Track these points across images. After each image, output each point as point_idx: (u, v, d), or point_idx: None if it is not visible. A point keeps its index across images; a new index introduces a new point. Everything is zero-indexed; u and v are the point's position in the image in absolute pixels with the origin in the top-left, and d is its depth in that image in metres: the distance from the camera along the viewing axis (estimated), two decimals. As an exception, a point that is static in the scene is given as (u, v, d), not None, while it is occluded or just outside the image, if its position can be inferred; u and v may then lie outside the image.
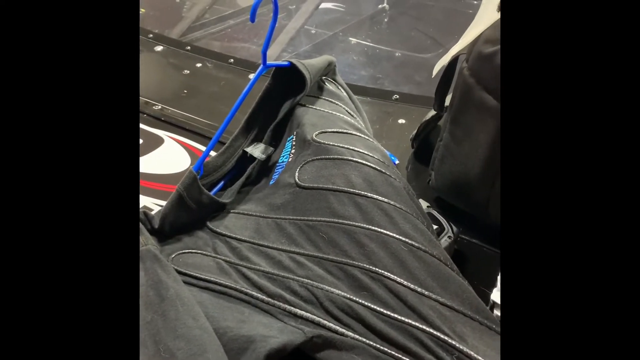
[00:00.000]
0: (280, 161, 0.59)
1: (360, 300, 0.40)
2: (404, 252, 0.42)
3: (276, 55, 1.05)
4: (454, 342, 0.36)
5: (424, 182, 0.65)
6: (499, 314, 0.48)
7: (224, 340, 0.38)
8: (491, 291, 0.48)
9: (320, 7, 1.24)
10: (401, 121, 0.81)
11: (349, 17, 1.26)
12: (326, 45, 1.13)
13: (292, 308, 0.41)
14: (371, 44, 1.14)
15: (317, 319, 0.40)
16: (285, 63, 0.64)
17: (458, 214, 0.59)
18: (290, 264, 0.45)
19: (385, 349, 0.37)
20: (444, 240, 0.51)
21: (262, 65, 0.61)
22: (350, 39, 1.16)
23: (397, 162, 0.71)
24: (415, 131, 0.71)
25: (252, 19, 0.56)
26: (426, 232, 0.44)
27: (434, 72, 0.61)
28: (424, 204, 0.56)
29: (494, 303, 0.48)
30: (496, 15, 0.48)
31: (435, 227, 0.52)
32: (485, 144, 0.51)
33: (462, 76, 0.53)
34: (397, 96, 0.87)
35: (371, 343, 0.37)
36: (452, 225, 0.53)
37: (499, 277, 0.47)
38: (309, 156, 0.53)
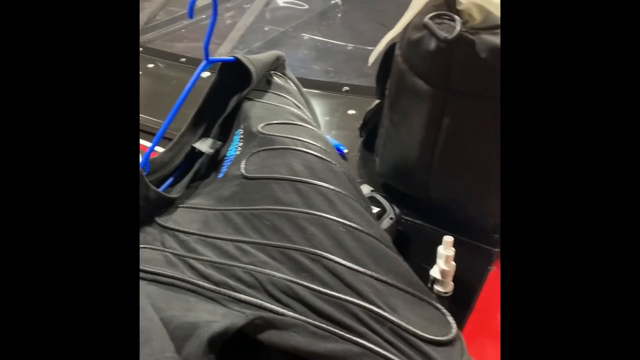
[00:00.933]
0: (228, 155, 0.60)
1: (300, 282, 0.41)
2: (342, 233, 0.43)
3: (227, 53, 1.05)
4: (386, 314, 0.38)
5: (371, 169, 0.67)
6: (438, 288, 0.50)
7: (170, 328, 0.38)
8: (431, 267, 0.50)
9: (273, 4, 1.25)
10: (351, 112, 0.83)
11: (301, 13, 1.28)
12: (278, 42, 1.14)
13: (236, 294, 0.42)
14: (323, 39, 1.15)
15: (259, 302, 0.41)
16: (231, 58, 0.65)
17: (402, 196, 0.61)
18: (235, 252, 0.46)
19: (323, 325, 0.38)
20: (386, 222, 0.53)
21: (204, 61, 0.61)
22: (303, 34, 1.17)
23: (345, 151, 0.73)
24: (362, 120, 0.73)
25: (191, 16, 0.57)
26: (364, 214, 0.46)
27: (370, 60, 0.62)
28: (368, 188, 0.58)
29: (434, 279, 0.51)
30: (423, 2, 0.50)
31: (377, 209, 0.54)
32: (420, 127, 0.54)
33: (397, 63, 0.55)
34: (347, 88, 0.88)
35: (309, 320, 0.39)
36: (394, 207, 0.55)
37: (436, 253, 0.49)
38: (255, 148, 0.54)
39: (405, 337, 0.37)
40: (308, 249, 0.43)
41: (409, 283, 0.41)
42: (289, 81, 0.79)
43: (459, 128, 0.51)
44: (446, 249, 0.48)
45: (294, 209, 0.46)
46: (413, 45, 0.51)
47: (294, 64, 1.05)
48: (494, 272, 0.53)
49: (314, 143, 0.53)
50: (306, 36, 1.16)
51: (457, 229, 0.57)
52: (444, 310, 0.40)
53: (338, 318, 0.38)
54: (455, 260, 0.53)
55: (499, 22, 0.44)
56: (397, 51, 0.55)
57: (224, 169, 0.58)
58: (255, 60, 0.67)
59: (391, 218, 0.53)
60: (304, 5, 1.33)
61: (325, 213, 0.45)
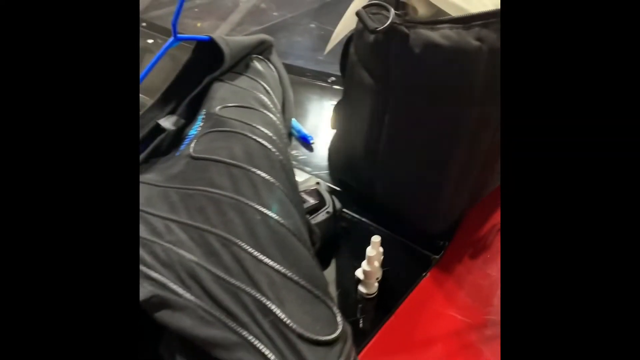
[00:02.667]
0: (190, 134, 0.60)
1: (206, 265, 0.41)
2: (256, 221, 0.43)
3: (224, 34, 1.04)
4: (272, 307, 0.37)
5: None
6: (361, 289, 0.49)
7: None
8: (359, 265, 0.48)
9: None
10: (334, 102, 0.81)
11: (314, 1, 1.25)
12: (282, 28, 1.13)
13: (148, 270, 0.42)
14: (329, 28, 1.13)
15: (164, 280, 0.40)
16: (204, 37, 0.65)
17: (357, 193, 0.60)
18: (162, 230, 0.46)
19: (212, 311, 0.38)
20: (322, 215, 0.52)
21: (172, 37, 0.61)
22: (310, 22, 1.15)
23: (312, 141, 0.72)
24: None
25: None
26: (286, 204, 0.45)
27: (327, 49, 0.61)
28: (314, 180, 0.57)
29: (358, 279, 0.49)
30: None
31: (315, 202, 0.53)
32: (366, 121, 0.52)
33: (351, 53, 0.53)
34: (334, 78, 0.87)
35: (202, 305, 0.38)
36: (335, 201, 0.54)
37: (365, 253, 0.47)
38: (208, 128, 0.54)
39: (284, 332, 0.36)
40: (223, 233, 0.43)
41: (308, 279, 0.40)
42: (271, 66, 0.78)
43: (400, 125, 0.49)
44: (372, 250, 0.47)
45: (222, 192, 0.46)
46: (359, 36, 0.49)
47: (286, 51, 1.03)
48: (427, 280, 0.51)
49: (262, 129, 0.53)
50: (313, 24, 1.15)
51: (401, 229, 0.55)
52: (335, 310, 0.39)
53: (227, 305, 0.38)
54: (390, 262, 0.51)
55: (446, 17, 0.42)
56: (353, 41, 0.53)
57: (181, 148, 0.58)
58: (232, 42, 0.67)
59: (327, 212, 0.52)
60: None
61: (247, 199, 0.44)
